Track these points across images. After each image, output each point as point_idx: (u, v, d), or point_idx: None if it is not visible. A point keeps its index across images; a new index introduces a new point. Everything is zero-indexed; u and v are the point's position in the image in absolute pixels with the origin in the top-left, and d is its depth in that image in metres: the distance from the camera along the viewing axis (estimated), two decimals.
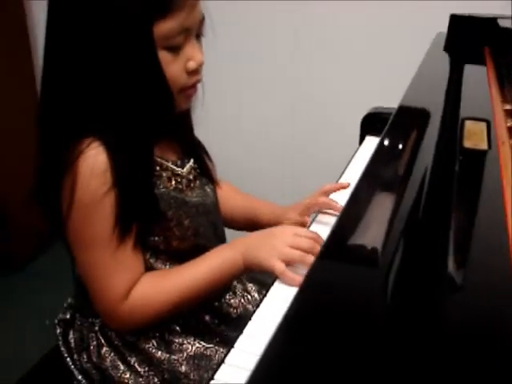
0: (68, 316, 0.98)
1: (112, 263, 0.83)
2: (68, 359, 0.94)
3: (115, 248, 0.82)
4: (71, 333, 0.95)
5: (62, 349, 0.95)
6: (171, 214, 0.88)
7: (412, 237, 0.58)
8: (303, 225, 1.02)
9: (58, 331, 0.97)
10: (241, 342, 0.68)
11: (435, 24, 1.46)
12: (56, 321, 0.98)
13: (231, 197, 1.13)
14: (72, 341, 0.95)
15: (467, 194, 0.61)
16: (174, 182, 0.90)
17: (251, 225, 1.12)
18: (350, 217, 0.63)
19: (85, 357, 0.92)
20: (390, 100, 1.09)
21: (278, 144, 2.20)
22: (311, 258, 0.79)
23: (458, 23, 1.40)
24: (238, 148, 2.26)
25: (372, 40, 1.96)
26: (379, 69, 1.95)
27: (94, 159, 0.79)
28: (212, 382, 0.63)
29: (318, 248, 0.82)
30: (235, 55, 2.14)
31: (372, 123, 1.34)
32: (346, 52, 2.01)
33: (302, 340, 0.43)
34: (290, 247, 0.82)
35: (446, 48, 1.36)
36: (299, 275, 0.78)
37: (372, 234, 0.57)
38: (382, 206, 0.62)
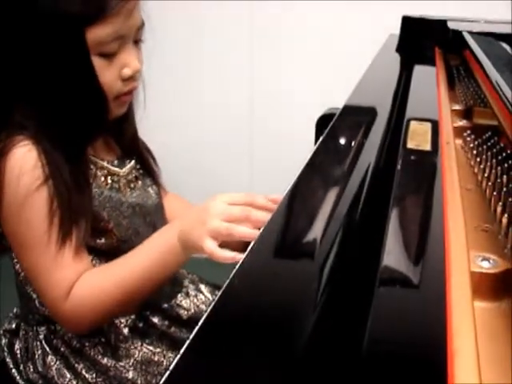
0: (13, 326, 0.95)
1: (51, 261, 0.80)
2: (14, 371, 0.92)
3: (53, 246, 0.80)
4: (17, 343, 0.93)
5: (8, 360, 0.92)
6: (106, 215, 0.86)
7: (349, 235, 0.58)
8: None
9: (3, 342, 0.95)
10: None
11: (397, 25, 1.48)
12: (1, 331, 0.96)
13: (178, 210, 1.10)
14: (18, 351, 0.92)
15: (406, 195, 0.61)
16: (109, 181, 0.89)
17: None
18: (287, 212, 0.63)
19: (30, 367, 0.90)
20: None
21: (235, 145, 2.20)
22: (240, 229, 0.73)
23: (410, 24, 1.42)
24: (197, 152, 2.25)
25: (329, 40, 1.97)
26: (335, 70, 1.96)
27: (23, 156, 0.78)
28: None
29: (253, 214, 0.75)
30: (191, 55, 2.12)
31: (327, 124, 1.34)
32: (302, 53, 2.02)
33: (219, 346, 0.42)
34: (221, 218, 0.75)
35: (398, 49, 1.38)
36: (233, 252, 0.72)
37: (308, 230, 0.57)
38: (318, 203, 0.62)
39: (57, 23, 0.75)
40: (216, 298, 0.47)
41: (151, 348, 0.91)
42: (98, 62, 0.78)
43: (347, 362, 0.40)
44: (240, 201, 0.78)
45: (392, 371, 0.38)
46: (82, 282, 0.83)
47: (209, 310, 0.45)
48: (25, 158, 0.77)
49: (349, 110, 0.94)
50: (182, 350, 0.42)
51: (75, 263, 0.83)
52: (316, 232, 0.56)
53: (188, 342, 0.42)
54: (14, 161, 0.77)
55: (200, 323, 0.44)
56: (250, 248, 0.55)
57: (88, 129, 0.84)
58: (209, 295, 1.05)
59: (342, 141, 0.84)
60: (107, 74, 0.80)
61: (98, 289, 0.83)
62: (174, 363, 0.41)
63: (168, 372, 0.40)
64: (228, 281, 0.49)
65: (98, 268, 0.87)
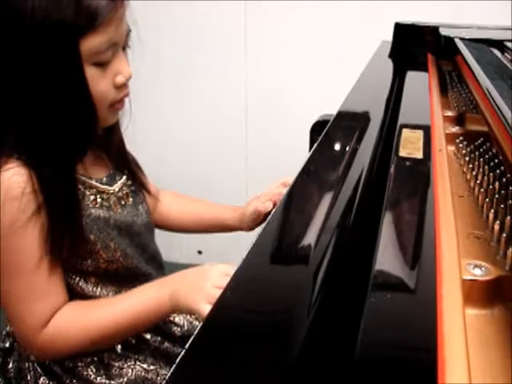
0: (7, 344, 0.94)
1: (31, 290, 0.79)
2: None
3: (41, 274, 0.79)
4: (11, 362, 0.92)
5: (0, 379, 0.92)
6: (93, 236, 0.85)
7: (342, 242, 0.58)
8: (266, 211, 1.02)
9: None
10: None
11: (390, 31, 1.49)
12: None
13: (177, 204, 1.12)
14: (11, 371, 0.91)
15: (398, 203, 0.62)
16: (99, 200, 0.87)
17: (213, 228, 1.12)
18: (282, 219, 0.63)
19: None
20: None
21: (230, 150, 2.20)
22: None
23: (403, 31, 1.43)
24: (191, 155, 2.25)
25: (322, 46, 1.98)
26: (329, 76, 1.97)
27: (7, 181, 0.75)
28: None
29: None
30: (185, 59, 2.13)
31: (321, 130, 1.35)
32: (296, 59, 2.03)
33: (219, 349, 0.42)
34: (217, 287, 0.78)
35: (391, 55, 1.39)
36: None
37: (302, 237, 0.57)
38: (312, 210, 0.62)
39: (50, 35, 0.73)
40: (211, 308, 0.48)
41: (145, 366, 0.91)
42: (93, 72, 0.78)
43: (341, 368, 0.40)
44: (232, 272, 0.80)
45: (384, 377, 0.38)
46: (62, 315, 0.82)
47: (205, 319, 0.46)
48: (9, 183, 0.75)
49: (342, 117, 0.94)
50: (178, 359, 0.42)
51: (56, 293, 0.82)
52: (309, 239, 0.56)
53: (184, 350, 0.42)
54: None
55: (195, 332, 0.44)
56: (244, 255, 0.56)
57: (79, 142, 0.82)
58: None
59: (336, 148, 0.85)
60: (102, 83, 0.80)
61: (77, 325, 0.83)
62: (169, 373, 0.41)
63: (164, 382, 0.41)
64: (222, 290, 0.50)
65: (80, 304, 0.86)
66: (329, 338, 0.47)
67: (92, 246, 0.85)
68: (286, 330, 0.44)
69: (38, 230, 0.77)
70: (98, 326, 0.83)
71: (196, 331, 0.45)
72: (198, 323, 1.01)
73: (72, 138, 0.80)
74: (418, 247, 0.53)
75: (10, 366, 0.91)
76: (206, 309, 0.76)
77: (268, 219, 0.63)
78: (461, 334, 0.41)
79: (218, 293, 0.75)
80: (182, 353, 0.43)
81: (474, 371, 0.38)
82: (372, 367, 0.39)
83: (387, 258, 0.50)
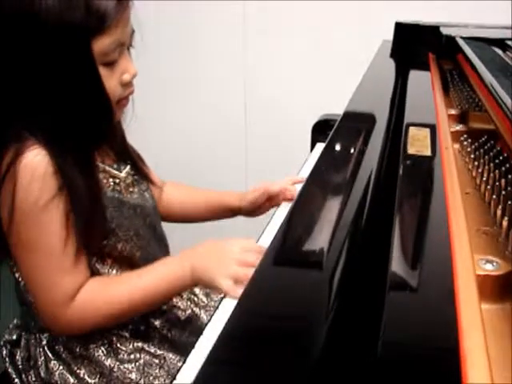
0: (14, 337, 0.96)
1: (57, 267, 0.82)
2: (17, 380, 0.93)
3: (60, 252, 0.81)
4: (18, 353, 0.94)
5: (10, 370, 0.93)
6: (109, 215, 0.88)
7: (356, 242, 0.59)
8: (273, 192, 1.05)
9: (5, 352, 0.95)
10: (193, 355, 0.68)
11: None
12: (2, 342, 0.97)
13: (178, 192, 1.16)
14: (19, 361, 0.93)
15: (410, 200, 0.62)
16: (111, 183, 0.91)
17: (218, 214, 1.15)
18: (295, 221, 0.64)
19: (32, 375, 0.91)
20: (343, 107, 1.11)
21: (229, 153, 2.20)
22: None
23: (404, 30, 1.43)
24: (190, 155, 2.25)
25: (322, 46, 1.99)
26: (329, 76, 1.97)
27: (35, 162, 0.79)
28: None
29: None
30: (183, 60, 2.13)
31: (322, 130, 1.36)
32: (295, 58, 2.03)
33: (240, 354, 0.43)
34: (237, 263, 0.80)
35: (393, 55, 1.40)
36: None
37: (316, 239, 0.58)
38: (325, 212, 0.63)
39: (63, 37, 0.76)
40: (233, 309, 0.48)
41: (152, 351, 0.93)
42: (102, 72, 0.81)
43: (362, 367, 0.41)
44: (252, 248, 0.83)
45: (406, 373, 0.38)
46: (88, 289, 0.85)
47: (224, 324, 0.46)
48: (35, 162, 0.79)
49: (349, 117, 0.95)
50: (201, 365, 0.42)
51: (80, 269, 0.85)
52: (323, 241, 0.57)
53: (207, 354, 0.42)
54: (26, 166, 0.78)
55: (217, 336, 0.45)
56: (260, 261, 0.56)
57: (97, 134, 0.87)
58: (204, 298, 1.06)
59: (345, 148, 0.86)
60: (110, 82, 0.83)
61: (101, 300, 0.86)
62: (195, 376, 0.41)
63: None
64: (244, 289, 0.50)
65: (103, 279, 0.89)
66: (348, 338, 0.47)
67: (108, 224, 0.88)
68: (305, 332, 0.45)
69: (61, 209, 0.80)
70: (121, 298, 0.86)
71: (217, 337, 0.46)
72: (198, 310, 1.03)
73: (91, 129, 0.84)
74: (431, 244, 0.53)
75: (18, 356, 0.93)
76: (226, 284, 0.78)
77: (281, 223, 0.64)
78: (479, 327, 0.42)
79: (236, 270, 0.79)
80: (204, 358, 0.43)
81: (493, 365, 0.39)
82: (394, 363, 0.39)
83: (402, 257, 0.51)
